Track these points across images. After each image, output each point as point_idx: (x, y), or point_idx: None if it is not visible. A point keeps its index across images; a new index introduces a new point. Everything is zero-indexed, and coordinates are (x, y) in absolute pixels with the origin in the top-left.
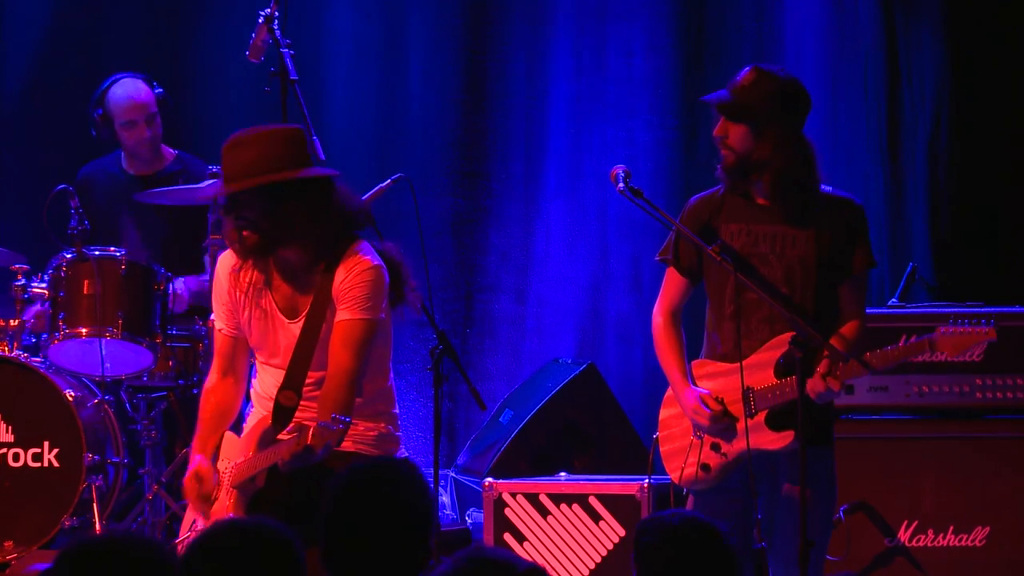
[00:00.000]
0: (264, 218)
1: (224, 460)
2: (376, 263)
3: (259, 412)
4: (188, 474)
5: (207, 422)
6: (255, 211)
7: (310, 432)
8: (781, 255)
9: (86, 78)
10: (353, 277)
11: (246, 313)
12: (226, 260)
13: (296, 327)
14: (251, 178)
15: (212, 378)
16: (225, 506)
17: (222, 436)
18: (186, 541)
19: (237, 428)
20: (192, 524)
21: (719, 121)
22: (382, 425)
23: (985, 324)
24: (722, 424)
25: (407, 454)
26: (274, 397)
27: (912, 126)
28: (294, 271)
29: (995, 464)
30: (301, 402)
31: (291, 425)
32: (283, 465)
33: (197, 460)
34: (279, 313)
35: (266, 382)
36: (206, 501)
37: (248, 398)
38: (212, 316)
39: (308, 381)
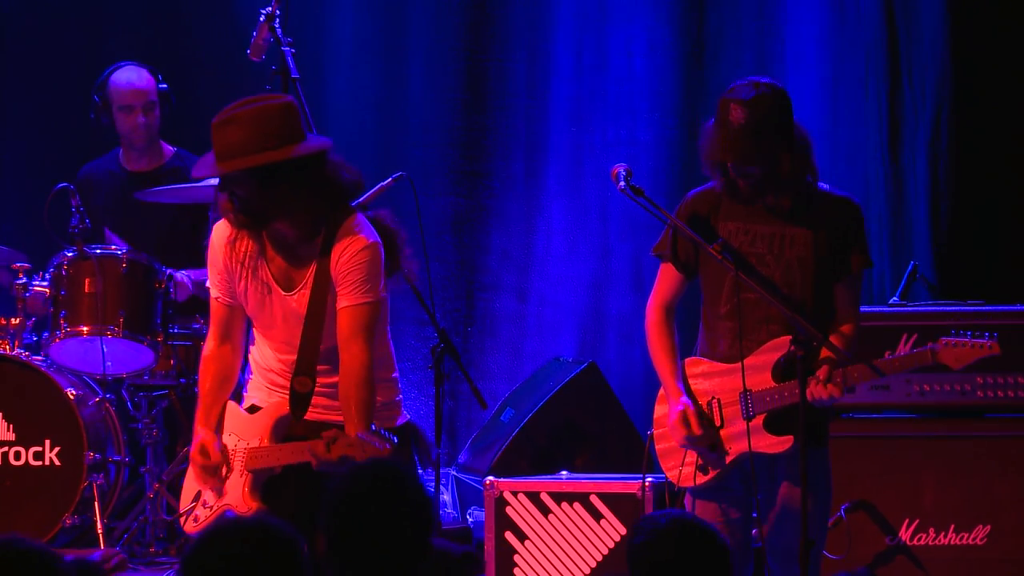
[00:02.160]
0: (255, 197)
1: (231, 435)
2: (372, 240)
3: (260, 384)
4: (194, 446)
5: (209, 392)
6: (246, 190)
7: (353, 444)
8: (779, 255)
9: (86, 76)
10: (350, 259)
11: (242, 284)
12: (221, 229)
13: (293, 300)
14: (241, 158)
15: (210, 345)
16: (239, 487)
17: (224, 406)
18: (190, 514)
19: (237, 395)
20: (196, 496)
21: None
22: (383, 393)
23: (988, 338)
24: (700, 447)
25: (408, 417)
26: (274, 370)
27: (913, 126)
28: (288, 244)
29: (996, 463)
30: (317, 382)
31: (331, 433)
32: (316, 465)
33: (202, 433)
34: (275, 284)
35: (265, 353)
36: (213, 474)
37: (246, 361)
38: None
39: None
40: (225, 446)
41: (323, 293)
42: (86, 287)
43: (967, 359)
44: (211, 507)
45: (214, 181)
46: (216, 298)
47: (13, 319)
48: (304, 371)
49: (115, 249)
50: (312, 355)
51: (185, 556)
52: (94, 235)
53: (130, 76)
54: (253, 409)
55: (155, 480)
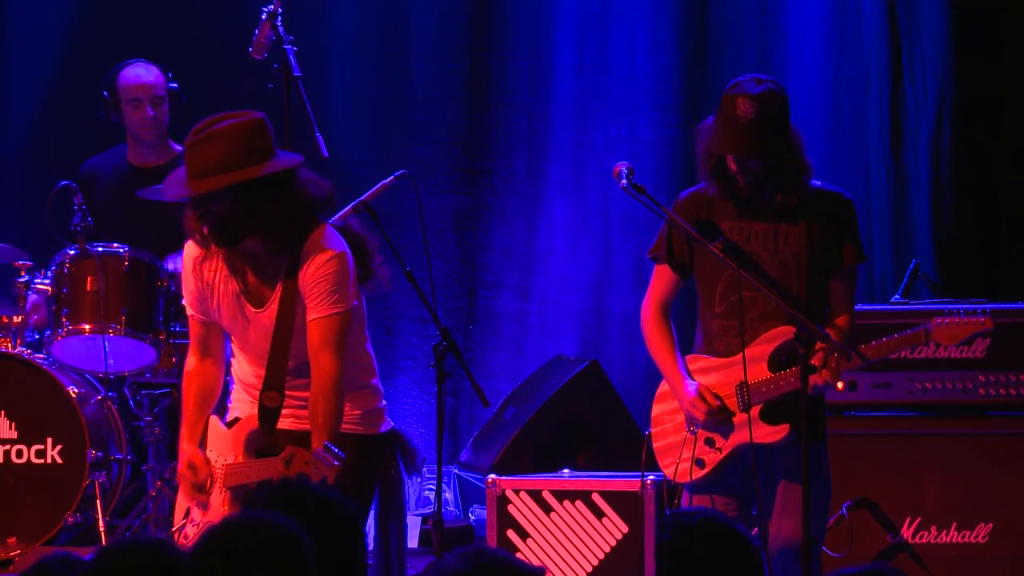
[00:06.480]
0: (233, 214)
1: (212, 451)
2: (339, 251)
3: (242, 397)
4: (181, 463)
5: (193, 407)
6: (223, 207)
7: (310, 461)
8: (774, 252)
9: (89, 75)
10: (317, 271)
11: (214, 302)
12: (190, 250)
13: (264, 316)
14: (223, 175)
15: (191, 361)
16: (219, 504)
17: (207, 420)
18: (182, 531)
19: (222, 404)
20: (187, 513)
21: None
22: (365, 401)
23: (981, 314)
24: (718, 419)
25: (392, 424)
26: (252, 384)
27: (915, 123)
28: (258, 260)
29: (998, 460)
30: (285, 395)
31: (287, 451)
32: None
33: (188, 450)
34: (245, 302)
35: (243, 367)
36: (201, 490)
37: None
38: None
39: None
40: (209, 461)
41: (291, 308)
42: (88, 285)
43: (961, 335)
44: (197, 524)
45: None
46: (192, 316)
47: (15, 317)
48: (272, 386)
49: (117, 247)
50: (280, 369)
51: (190, 553)
52: (97, 231)
53: (139, 71)
54: (234, 423)
55: (157, 478)
